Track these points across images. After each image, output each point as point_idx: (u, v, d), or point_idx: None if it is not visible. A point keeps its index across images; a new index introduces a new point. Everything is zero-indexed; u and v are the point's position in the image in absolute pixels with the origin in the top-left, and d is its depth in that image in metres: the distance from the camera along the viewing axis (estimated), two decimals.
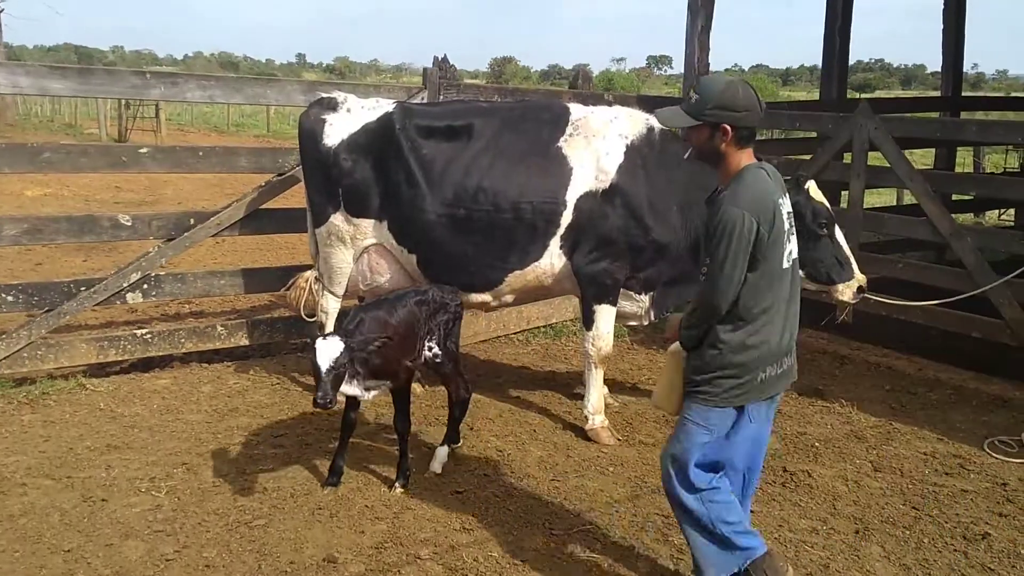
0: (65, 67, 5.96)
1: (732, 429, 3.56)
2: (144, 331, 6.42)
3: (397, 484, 4.82)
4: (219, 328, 6.67)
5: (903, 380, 7.01)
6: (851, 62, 11.69)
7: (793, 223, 3.57)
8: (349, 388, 4.43)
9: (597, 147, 5.52)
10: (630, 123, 5.63)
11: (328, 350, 4.14)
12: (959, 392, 6.73)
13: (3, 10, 30.94)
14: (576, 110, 5.74)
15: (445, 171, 5.53)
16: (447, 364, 5.00)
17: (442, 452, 5.14)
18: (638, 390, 6.65)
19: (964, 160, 17.10)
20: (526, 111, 5.80)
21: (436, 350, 4.93)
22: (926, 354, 7.39)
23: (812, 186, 5.49)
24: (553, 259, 5.58)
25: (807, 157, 8.09)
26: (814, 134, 9.51)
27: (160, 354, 6.54)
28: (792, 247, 3.53)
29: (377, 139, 5.61)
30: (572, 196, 5.50)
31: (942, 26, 11.82)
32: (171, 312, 8.36)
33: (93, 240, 6.29)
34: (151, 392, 6.14)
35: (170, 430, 5.52)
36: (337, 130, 5.67)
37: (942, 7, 11.87)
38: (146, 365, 6.63)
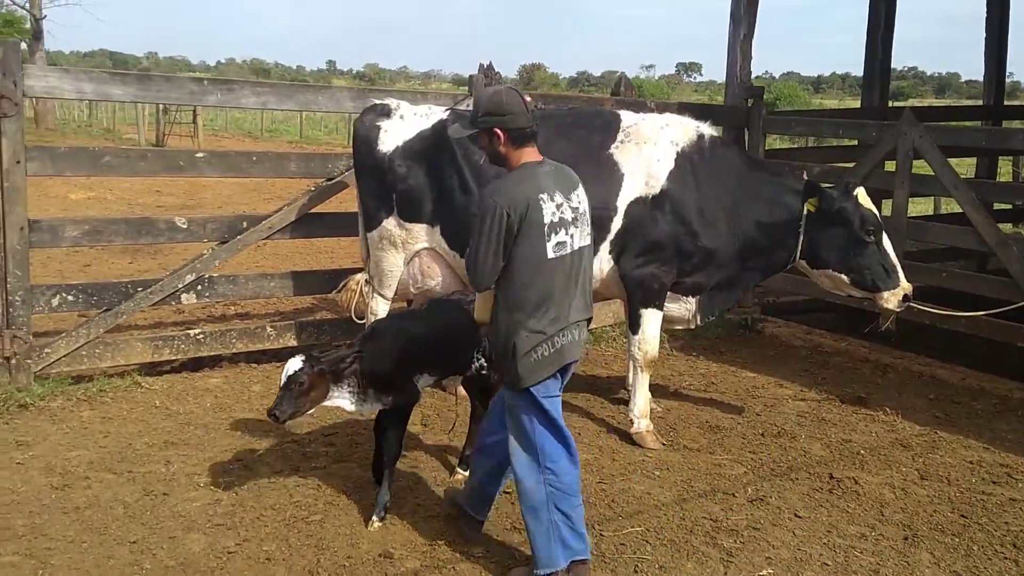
0: (126, 73, 6.13)
1: (528, 405, 3.83)
2: (196, 331, 6.57)
3: (375, 517, 4.49)
4: (268, 329, 6.80)
5: (947, 389, 7.01)
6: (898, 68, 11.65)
7: (577, 217, 3.84)
8: (342, 403, 4.45)
9: (648, 154, 5.59)
10: (681, 130, 5.70)
11: (289, 367, 4.19)
12: (1004, 402, 6.72)
13: (45, 16, 31.58)
14: (627, 117, 5.81)
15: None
16: (492, 376, 4.78)
17: None
18: (680, 396, 6.70)
19: (1001, 169, 16.93)
20: (578, 118, 5.88)
21: (483, 362, 4.78)
22: (969, 364, 7.37)
23: (861, 192, 5.54)
24: (603, 264, 5.65)
25: (849, 165, 8.11)
26: (854, 142, 9.51)
27: (211, 354, 6.67)
28: (568, 238, 3.78)
29: (431, 145, 5.72)
30: (623, 202, 5.57)
31: (984, 35, 11.77)
32: (216, 313, 8.52)
33: (149, 242, 6.45)
34: (203, 390, 6.28)
35: (224, 428, 5.64)
36: (392, 136, 5.78)
37: (985, 16, 11.82)
38: (196, 364, 6.77)
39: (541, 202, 3.71)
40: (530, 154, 3.86)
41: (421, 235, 5.83)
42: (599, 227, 5.57)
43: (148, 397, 6.09)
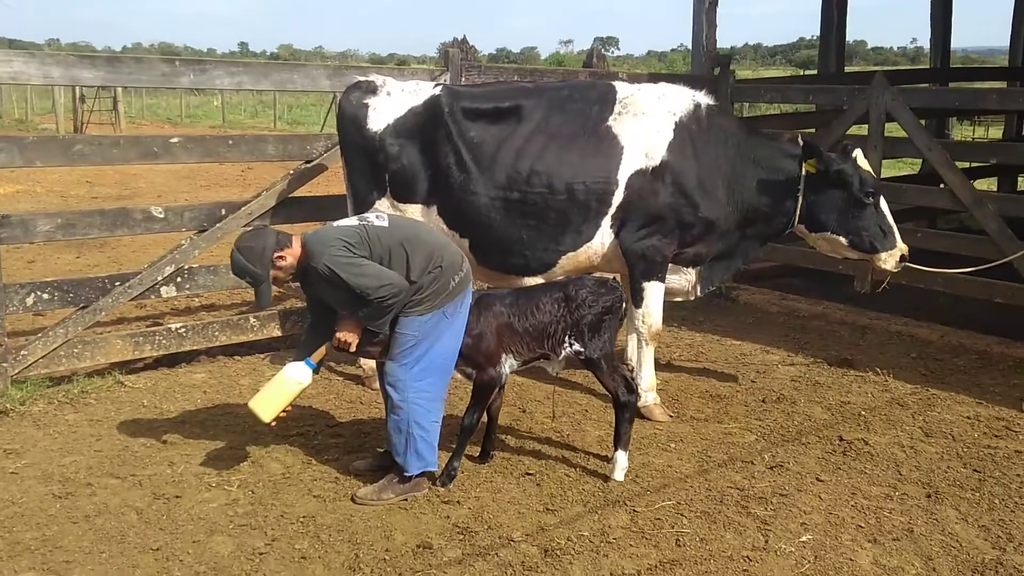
0: (95, 56, 5.78)
1: None
2: (178, 325, 6.28)
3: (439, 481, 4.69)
4: (252, 320, 6.54)
5: (928, 347, 7.15)
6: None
7: None
8: None
9: (647, 124, 5.51)
10: (678, 99, 5.63)
11: None
12: (984, 357, 6.88)
13: None
14: (622, 88, 5.71)
15: (496, 154, 5.47)
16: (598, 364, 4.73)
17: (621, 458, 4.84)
18: (673, 367, 6.69)
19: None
20: (573, 90, 5.74)
21: (575, 346, 4.70)
22: (943, 321, 7.52)
23: (859, 154, 5.57)
24: (604, 238, 5.57)
25: (812, 131, 8.18)
26: (813, 107, 9.61)
27: (194, 348, 6.39)
28: None
29: (424, 122, 5.53)
30: (623, 175, 5.48)
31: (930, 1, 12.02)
32: (195, 305, 8.16)
33: (125, 233, 6.09)
34: (190, 387, 6.01)
35: (223, 425, 5.41)
36: (381, 114, 5.57)
37: None
38: (173, 360, 6.47)
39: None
40: (298, 240, 4.39)
41: (417, 216, 5.65)
42: (602, 201, 5.50)
43: (133, 396, 5.81)
